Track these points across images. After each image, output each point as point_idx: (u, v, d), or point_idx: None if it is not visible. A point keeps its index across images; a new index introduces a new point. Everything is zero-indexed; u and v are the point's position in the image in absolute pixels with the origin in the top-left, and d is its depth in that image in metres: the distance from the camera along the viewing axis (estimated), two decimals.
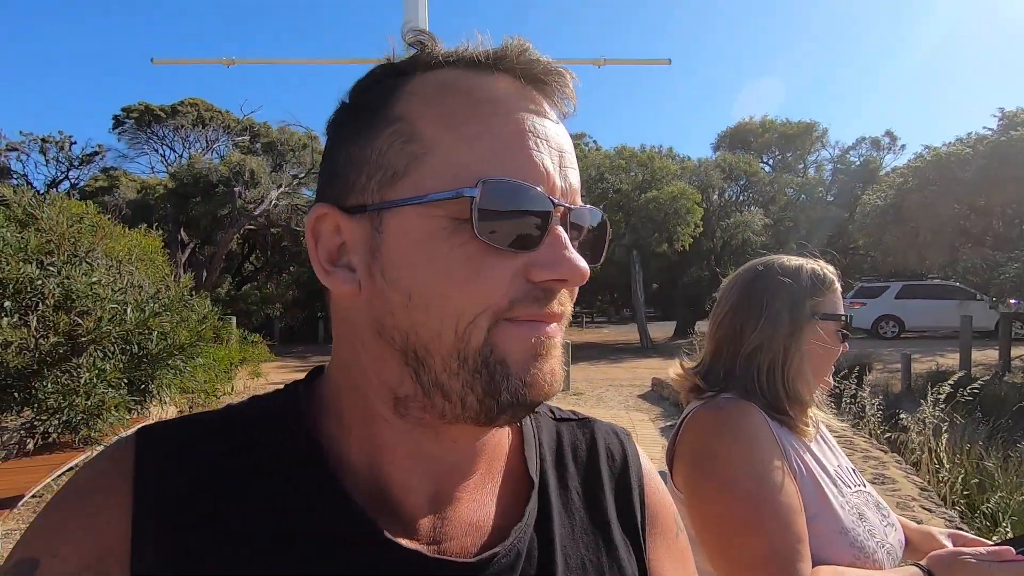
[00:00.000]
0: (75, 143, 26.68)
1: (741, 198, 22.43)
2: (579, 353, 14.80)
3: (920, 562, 1.00)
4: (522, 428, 0.57)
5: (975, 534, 3.38)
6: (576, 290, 0.49)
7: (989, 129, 11.53)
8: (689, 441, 1.03)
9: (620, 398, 9.29)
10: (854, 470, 1.14)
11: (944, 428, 5.58)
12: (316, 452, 0.48)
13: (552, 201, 0.44)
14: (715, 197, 20.64)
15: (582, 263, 0.45)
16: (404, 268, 0.44)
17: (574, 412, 0.65)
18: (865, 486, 1.11)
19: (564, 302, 0.47)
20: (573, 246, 0.46)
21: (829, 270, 1.12)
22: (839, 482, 1.05)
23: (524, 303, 0.44)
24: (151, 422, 0.51)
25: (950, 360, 11.15)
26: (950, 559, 0.96)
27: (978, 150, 10.75)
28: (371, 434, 0.49)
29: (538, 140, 0.45)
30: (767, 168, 25.95)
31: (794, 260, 1.11)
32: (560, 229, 0.45)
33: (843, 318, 1.11)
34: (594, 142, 24.66)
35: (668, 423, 7.29)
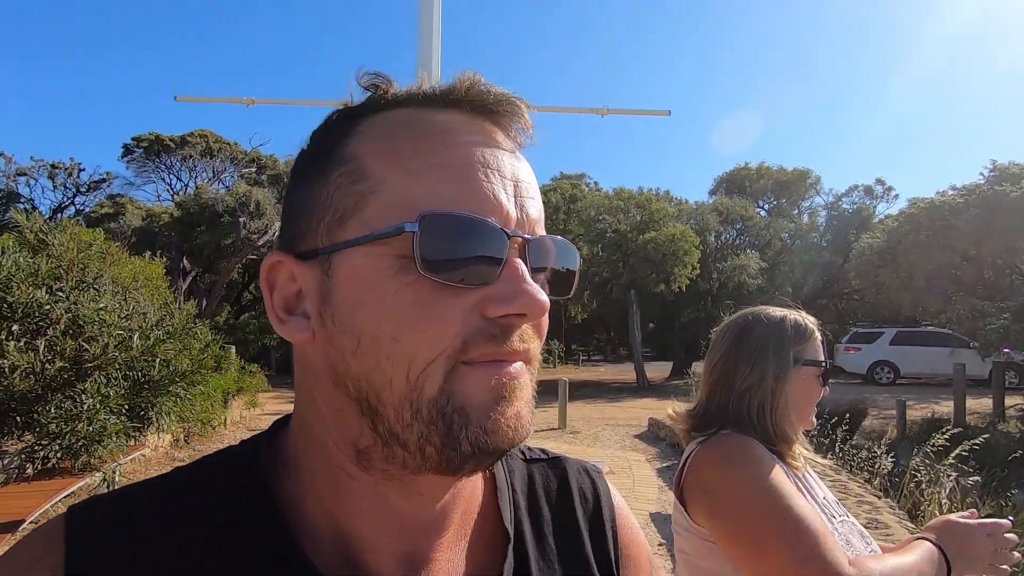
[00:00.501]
0: (83, 170, 27.16)
1: (737, 241, 22.79)
2: (576, 392, 14.78)
3: (919, 534, 1.11)
4: (494, 474, 0.55)
5: None
6: (544, 327, 0.47)
7: (983, 177, 11.90)
8: (698, 477, 1.12)
9: (616, 437, 9.29)
10: (837, 501, 1.25)
11: (939, 477, 5.65)
12: (274, 515, 0.45)
13: (506, 232, 0.42)
14: (712, 240, 20.96)
15: (540, 295, 0.42)
16: (353, 311, 0.42)
17: (544, 450, 0.63)
18: (848, 516, 1.22)
19: (528, 339, 0.45)
20: (537, 278, 0.44)
21: (810, 320, 1.25)
22: (827, 511, 1.16)
23: (479, 341, 0.41)
24: (83, 499, 0.46)
25: (945, 408, 11.20)
26: (940, 524, 1.09)
27: (970, 200, 11.07)
28: (335, 490, 0.46)
29: (489, 170, 0.43)
30: (763, 213, 26.44)
31: (778, 311, 1.24)
32: (518, 261, 0.43)
33: (823, 364, 1.23)
34: (595, 183, 25.22)
35: (664, 464, 7.29)
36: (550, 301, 0.46)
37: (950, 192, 11.84)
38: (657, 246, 17.01)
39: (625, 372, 21.41)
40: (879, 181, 25.92)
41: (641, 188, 21.65)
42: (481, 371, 0.42)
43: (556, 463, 0.61)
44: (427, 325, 0.41)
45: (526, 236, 0.44)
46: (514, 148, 0.47)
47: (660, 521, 5.18)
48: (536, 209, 0.46)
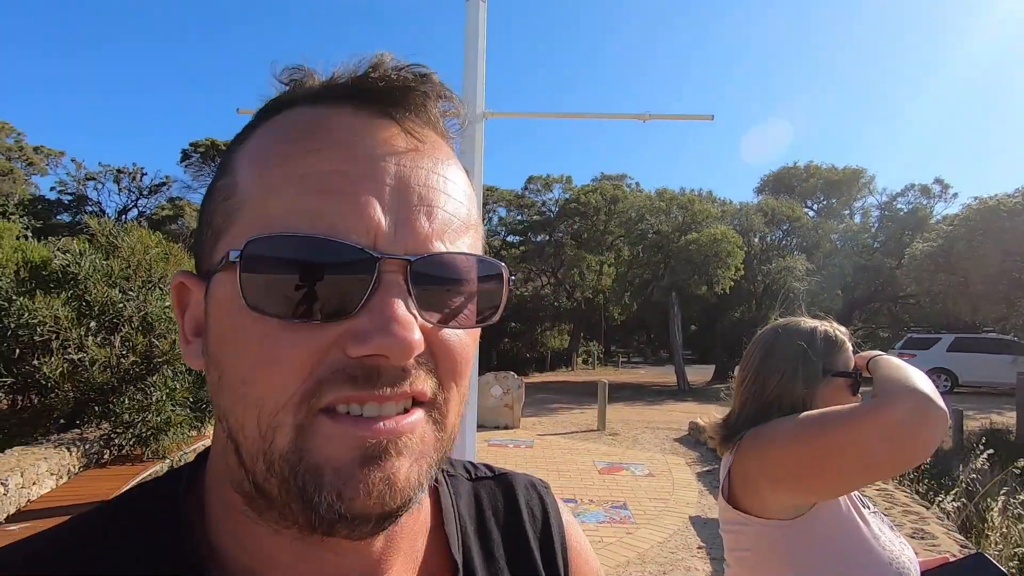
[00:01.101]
0: (145, 174, 28.73)
1: (784, 243, 22.18)
2: (615, 394, 14.74)
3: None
4: (439, 498, 0.51)
5: None
6: (455, 362, 0.40)
7: None
8: (742, 461, 1.19)
9: (656, 440, 9.26)
10: (864, 496, 1.32)
11: (998, 491, 5.43)
12: (187, 567, 0.39)
13: (371, 253, 0.35)
14: (756, 241, 20.48)
15: (406, 332, 0.35)
16: (217, 343, 0.38)
17: (489, 467, 0.59)
18: (876, 508, 1.29)
19: (418, 380, 0.37)
20: (438, 303, 0.38)
21: (840, 331, 1.31)
22: (861, 500, 1.23)
23: (336, 384, 0.35)
24: None
25: (1006, 419, 10.66)
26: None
27: None
28: (250, 542, 0.40)
29: (360, 178, 0.36)
30: (811, 213, 25.63)
31: (809, 322, 1.30)
32: (390, 289, 0.35)
33: (854, 375, 1.30)
34: (636, 183, 25.04)
35: (705, 468, 7.25)
36: (478, 327, 0.41)
37: (1007, 195, 11.29)
38: (699, 247, 16.77)
39: (666, 375, 21.17)
40: (937, 180, 24.76)
41: (683, 189, 21.40)
42: (345, 426, 0.35)
43: (503, 480, 0.57)
44: (275, 366, 0.35)
45: (407, 256, 0.36)
46: (414, 146, 0.39)
47: (699, 525, 5.19)
48: (441, 218, 0.39)
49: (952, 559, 1.29)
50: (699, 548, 4.71)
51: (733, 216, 20.79)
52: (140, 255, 6.75)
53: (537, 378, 21.02)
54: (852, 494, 1.20)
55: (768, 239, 21.68)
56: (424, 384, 0.37)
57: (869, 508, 1.24)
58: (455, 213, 0.40)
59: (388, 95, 0.39)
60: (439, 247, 0.38)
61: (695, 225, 17.95)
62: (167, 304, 6.33)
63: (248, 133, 0.42)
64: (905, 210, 23.96)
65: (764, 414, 1.22)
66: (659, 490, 6.34)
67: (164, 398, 5.72)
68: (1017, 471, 5.07)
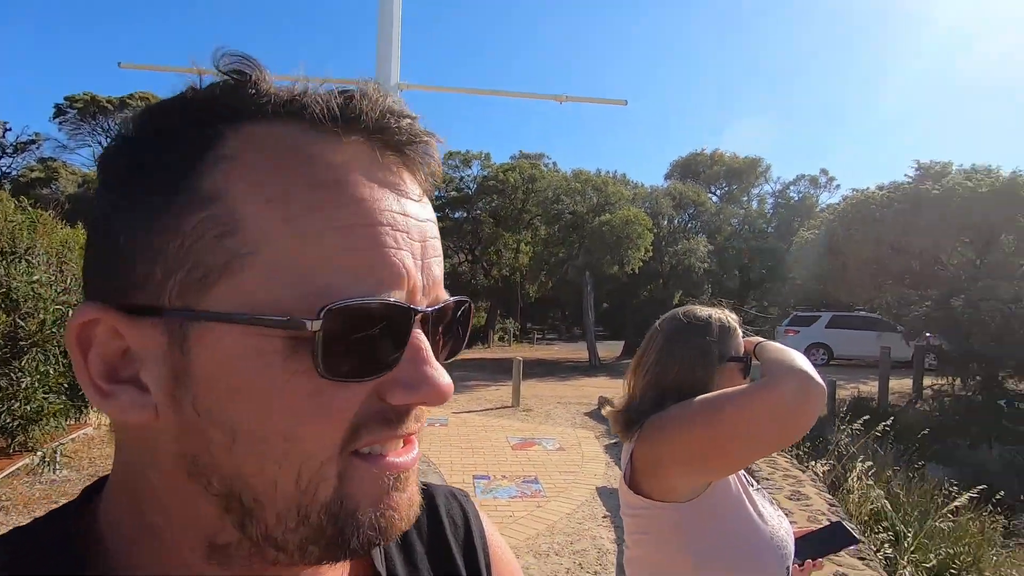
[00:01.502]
0: (9, 129, 25.27)
1: (689, 226, 23.46)
2: (530, 370, 15.06)
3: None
4: None
5: (875, 547, 3.75)
6: (442, 401, 0.42)
7: (908, 178, 12.80)
8: (642, 447, 1.23)
9: (568, 415, 9.58)
10: (747, 474, 1.42)
11: (860, 452, 6.15)
12: None
13: (412, 309, 0.36)
14: (664, 223, 21.51)
15: (445, 379, 0.37)
16: (225, 401, 0.34)
17: None
18: (759, 485, 1.39)
19: (421, 415, 0.40)
20: (436, 347, 0.39)
21: (732, 318, 1.38)
22: (747, 479, 1.32)
23: (373, 427, 0.36)
24: None
25: (871, 387, 12.03)
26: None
27: (895, 196, 11.82)
28: None
29: (397, 233, 0.36)
30: (715, 199, 27.23)
31: (704, 310, 1.36)
32: (421, 339, 0.37)
33: (745, 359, 1.38)
34: (553, 163, 25.35)
35: (612, 441, 7.61)
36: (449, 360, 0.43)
37: (878, 188, 12.63)
38: (612, 228, 17.34)
39: (579, 351, 21.89)
40: (823, 171, 27.13)
41: (599, 170, 21.98)
42: (376, 468, 0.37)
43: (423, 493, 0.56)
44: (326, 420, 0.35)
45: (430, 310, 0.38)
46: (421, 196, 0.39)
47: (606, 495, 5.45)
48: (440, 268, 0.40)
49: (816, 528, 1.42)
50: (604, 517, 4.95)
51: (644, 199, 21.67)
52: (1, 223, 5.95)
53: None
54: (740, 474, 1.28)
55: (675, 222, 22.83)
56: (424, 418, 0.40)
57: (753, 486, 1.33)
58: (442, 260, 0.42)
59: (408, 142, 0.38)
60: (445, 295, 0.41)
61: (609, 207, 18.51)
62: (35, 279, 5.65)
63: (212, 140, 0.35)
64: (796, 198, 26.10)
65: (664, 400, 1.26)
66: (569, 463, 6.59)
67: (35, 384, 5.13)
68: (878, 434, 5.75)
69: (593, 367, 18.09)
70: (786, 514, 3.75)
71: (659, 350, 1.33)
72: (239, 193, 0.34)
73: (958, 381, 11.58)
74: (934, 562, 3.92)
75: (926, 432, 7.28)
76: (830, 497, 4.18)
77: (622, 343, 22.23)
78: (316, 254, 0.34)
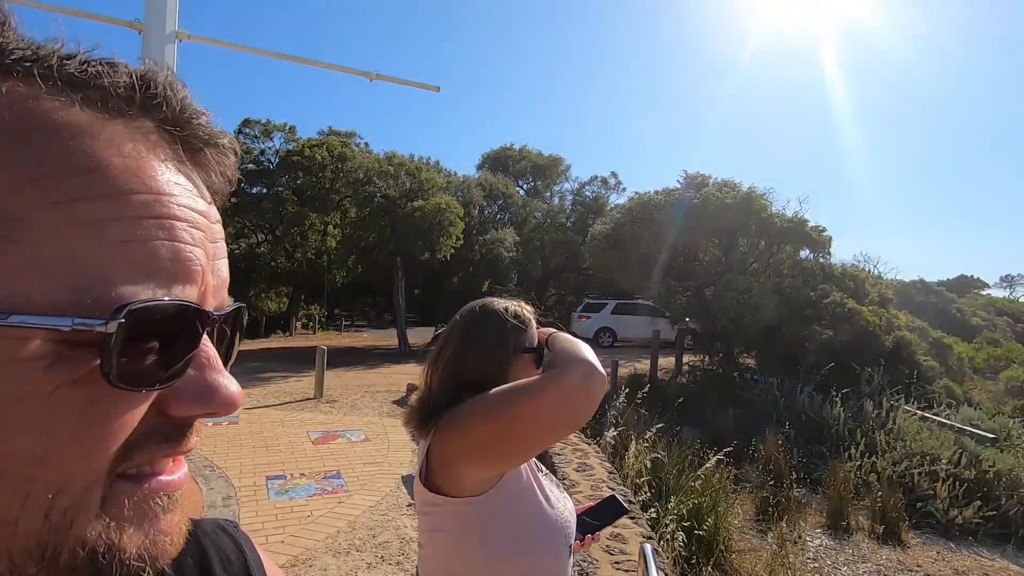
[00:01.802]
0: None
1: (498, 216, 24.51)
2: (337, 359, 14.37)
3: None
4: None
5: (640, 504, 4.29)
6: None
7: (679, 184, 15.13)
8: (441, 445, 1.19)
9: (375, 404, 9.35)
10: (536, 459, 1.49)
11: (633, 420, 7.08)
12: None
13: (207, 313, 0.32)
14: (475, 213, 22.15)
15: (235, 388, 0.34)
16: None
17: None
18: (546, 471, 1.46)
19: (200, 429, 0.35)
20: (223, 354, 0.37)
21: (527, 310, 1.43)
22: (536, 466, 1.37)
23: (149, 444, 0.31)
24: None
25: (644, 365, 13.93)
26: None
27: (668, 200, 13.85)
28: None
29: (193, 230, 0.32)
30: (522, 192, 28.83)
31: (501, 302, 1.39)
32: (210, 347, 0.34)
33: (538, 350, 1.43)
34: (365, 144, 24.27)
35: None
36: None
37: (656, 192, 14.67)
38: (424, 215, 17.30)
39: (389, 338, 21.54)
40: (613, 174, 30.35)
41: (412, 155, 21.64)
42: (146, 489, 0.32)
43: (188, 533, 0.54)
44: (99, 438, 0.29)
45: (218, 313, 0.35)
46: (211, 200, 0.36)
47: (411, 483, 5.43)
48: (227, 270, 0.37)
49: (593, 504, 1.56)
50: (409, 506, 4.93)
51: (456, 188, 22.02)
52: None
53: (250, 345, 19.10)
54: (532, 462, 1.33)
55: (486, 212, 23.66)
56: (202, 433, 0.36)
57: (542, 471, 1.39)
58: (227, 256, 0.37)
59: (208, 141, 0.35)
60: (229, 299, 0.37)
61: (422, 193, 18.42)
62: None
63: None
64: (590, 196, 28.82)
65: (461, 393, 1.26)
66: (374, 454, 6.42)
67: None
68: (639, 402, 6.65)
69: (403, 354, 17.96)
70: (573, 484, 4.13)
71: (457, 343, 1.32)
72: None
73: (707, 358, 14.03)
74: (684, 512, 4.67)
75: (682, 401, 8.66)
76: (609, 466, 4.72)
77: (432, 329, 22.45)
78: (101, 247, 0.28)
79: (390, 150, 21.37)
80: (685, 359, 14.33)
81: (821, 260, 13.73)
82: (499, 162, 30.28)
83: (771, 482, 7.02)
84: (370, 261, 19.77)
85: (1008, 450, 8.03)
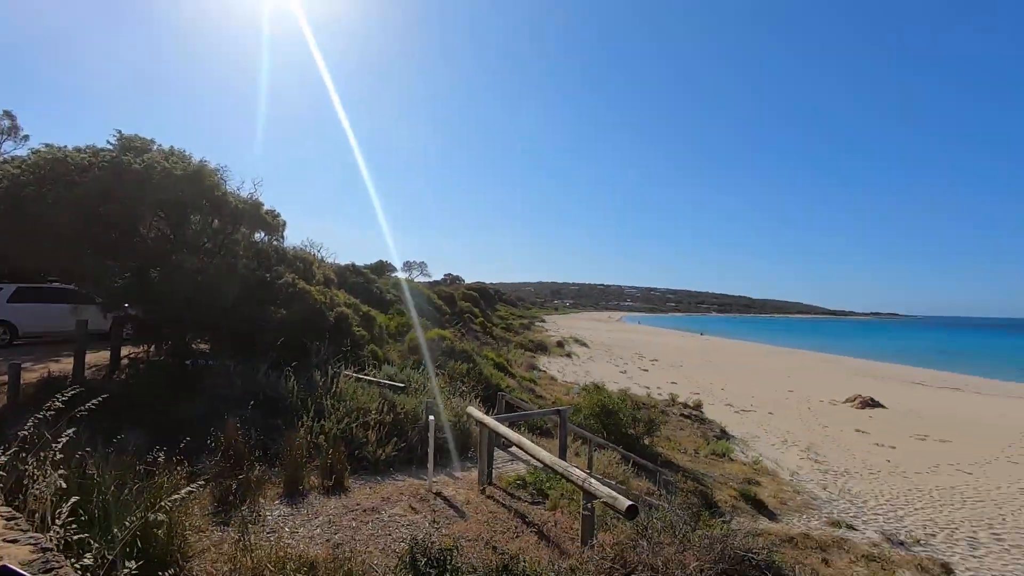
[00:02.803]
0: None
1: None
2: None
3: None
4: None
5: (58, 545, 3.31)
6: None
7: (111, 145, 12.45)
8: None
9: None
10: None
11: (49, 438, 5.43)
12: None
13: None
14: None
15: None
16: None
17: None
18: None
19: None
20: None
21: None
22: None
23: None
24: None
25: (64, 365, 11.08)
26: None
27: (96, 162, 11.31)
28: None
29: None
30: None
31: None
32: None
33: None
34: None
35: None
36: None
37: (77, 149, 11.79)
38: None
39: None
40: (7, 113, 22.57)
41: None
42: None
43: None
44: None
45: None
46: None
47: None
48: None
49: None
50: None
51: None
52: None
53: None
54: None
55: None
56: None
57: None
58: None
59: None
60: None
61: None
62: None
63: None
64: None
65: None
66: None
67: None
68: (61, 409, 5.26)
69: None
70: None
71: None
72: None
73: (153, 347, 12.36)
74: (138, 534, 3.96)
75: (124, 401, 7.33)
76: (9, 510, 3.44)
77: None
78: None
79: None
80: (124, 351, 12.20)
81: (275, 243, 14.29)
82: None
83: (231, 467, 6.87)
84: None
85: (412, 394, 10.59)
